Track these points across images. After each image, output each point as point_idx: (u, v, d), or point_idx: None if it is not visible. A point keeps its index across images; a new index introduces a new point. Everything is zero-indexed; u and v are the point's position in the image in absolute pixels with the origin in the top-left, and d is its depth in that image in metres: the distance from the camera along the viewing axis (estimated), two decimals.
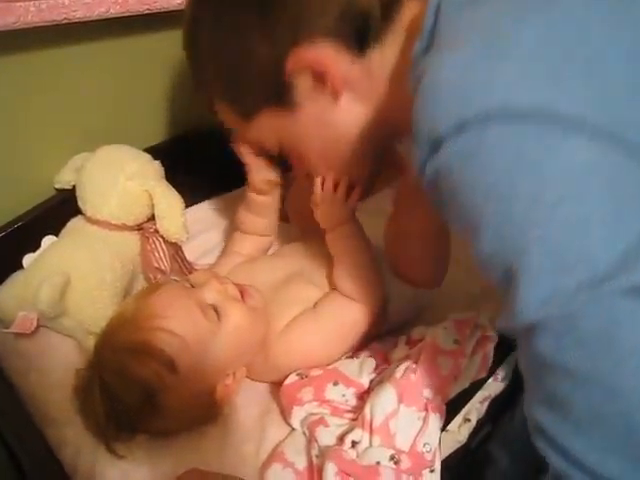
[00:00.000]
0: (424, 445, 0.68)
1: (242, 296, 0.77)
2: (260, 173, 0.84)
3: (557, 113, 0.43)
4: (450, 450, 0.83)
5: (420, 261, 0.85)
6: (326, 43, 0.61)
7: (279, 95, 0.66)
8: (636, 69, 0.45)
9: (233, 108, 0.72)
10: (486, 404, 0.92)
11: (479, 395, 0.87)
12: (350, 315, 0.78)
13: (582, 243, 0.43)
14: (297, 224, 1.04)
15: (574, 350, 0.44)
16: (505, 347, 0.80)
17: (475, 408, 0.91)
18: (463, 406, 0.82)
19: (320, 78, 0.64)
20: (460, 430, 0.87)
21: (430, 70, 0.49)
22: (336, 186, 0.77)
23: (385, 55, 0.63)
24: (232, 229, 0.97)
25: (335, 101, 0.66)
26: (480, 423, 0.88)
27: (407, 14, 0.63)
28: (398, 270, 0.87)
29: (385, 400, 0.68)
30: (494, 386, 0.91)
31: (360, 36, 0.62)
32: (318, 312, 0.78)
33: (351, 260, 0.79)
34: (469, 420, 0.91)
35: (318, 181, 0.76)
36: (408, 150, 0.82)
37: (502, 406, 0.93)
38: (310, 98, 0.66)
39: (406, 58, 0.57)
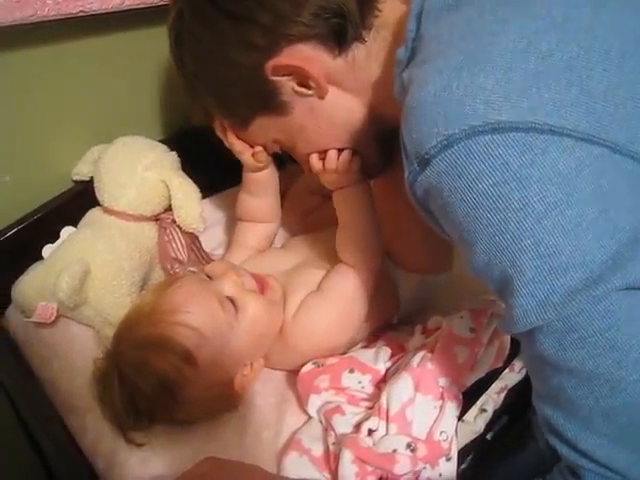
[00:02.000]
0: (440, 433, 0.68)
1: (262, 288, 0.78)
2: (250, 150, 0.84)
3: (537, 123, 0.44)
4: (466, 440, 0.83)
5: (419, 245, 0.85)
6: (303, 44, 0.63)
7: (267, 101, 0.68)
8: (611, 72, 0.45)
9: (228, 120, 0.75)
10: (503, 395, 0.92)
11: (496, 386, 0.86)
12: (349, 283, 0.78)
13: (575, 246, 0.44)
14: (296, 225, 1.04)
15: (576, 350, 0.46)
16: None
17: (492, 399, 0.91)
18: (479, 396, 0.82)
19: (303, 78, 0.65)
20: (476, 420, 0.87)
21: (413, 87, 0.50)
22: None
23: (371, 51, 0.64)
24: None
25: (322, 97, 0.67)
26: (496, 414, 0.88)
27: (389, 11, 0.63)
28: (399, 257, 0.87)
29: (401, 389, 0.68)
30: (511, 377, 0.91)
31: (338, 33, 0.62)
32: (321, 290, 0.79)
33: (352, 222, 0.79)
34: (485, 411, 0.90)
35: (314, 154, 0.75)
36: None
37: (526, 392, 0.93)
38: (298, 98, 0.67)
39: (393, 57, 0.58)
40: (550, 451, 0.94)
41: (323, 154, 0.74)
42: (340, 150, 0.74)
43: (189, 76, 0.72)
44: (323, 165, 0.75)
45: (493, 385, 0.85)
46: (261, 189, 0.90)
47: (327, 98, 0.67)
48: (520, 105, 0.44)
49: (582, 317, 0.45)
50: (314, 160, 0.75)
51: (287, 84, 0.66)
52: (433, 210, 0.52)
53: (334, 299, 0.78)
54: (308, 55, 0.63)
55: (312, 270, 0.83)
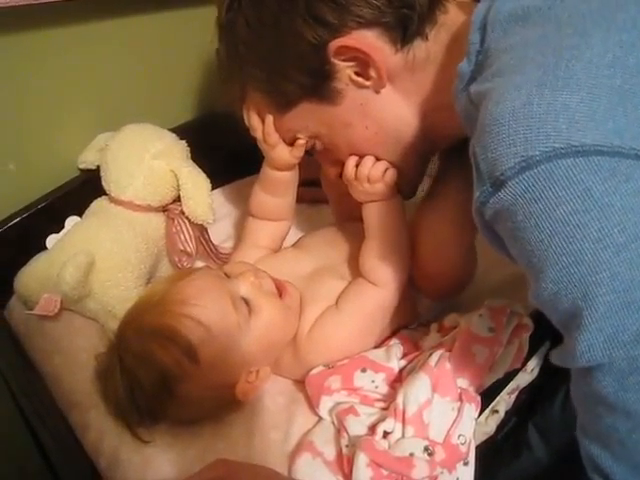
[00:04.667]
0: (459, 437, 0.66)
1: (280, 293, 0.75)
2: (283, 145, 0.79)
3: (623, 147, 0.41)
4: (477, 442, 0.81)
5: (452, 256, 0.81)
6: (370, 31, 0.61)
7: (321, 83, 0.65)
8: None
9: (270, 99, 0.70)
10: (514, 396, 0.90)
11: (508, 386, 0.84)
12: (371, 303, 0.75)
13: None
14: (335, 207, 1.00)
15: (638, 392, 0.44)
16: (537, 338, 0.77)
17: (503, 400, 0.89)
18: (494, 397, 0.80)
19: (364, 66, 0.63)
20: (488, 421, 0.85)
21: (487, 102, 0.47)
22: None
23: (430, 52, 0.63)
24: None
25: (378, 91, 0.65)
26: (508, 415, 0.86)
27: (453, 14, 0.62)
28: (424, 289, 0.84)
29: (419, 389, 0.66)
30: (523, 377, 0.89)
31: (404, 25, 0.61)
32: (340, 307, 0.76)
33: (380, 238, 0.76)
34: (497, 412, 0.89)
35: (351, 159, 0.72)
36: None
37: (540, 394, 0.91)
38: (352, 87, 0.65)
39: (453, 65, 0.56)
40: (549, 460, 0.93)
41: (360, 160, 0.72)
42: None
43: (237, 45, 0.67)
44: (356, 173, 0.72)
45: (507, 386, 0.83)
46: (282, 190, 0.85)
47: (381, 94, 0.65)
48: (605, 126, 0.41)
49: None
50: (350, 164, 0.72)
51: (345, 71, 0.64)
52: (500, 233, 0.49)
53: (352, 319, 0.75)
54: (373, 42, 0.61)
55: (331, 280, 0.80)
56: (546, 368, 0.95)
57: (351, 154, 0.72)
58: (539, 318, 0.78)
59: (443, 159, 0.83)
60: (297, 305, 0.76)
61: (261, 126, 0.75)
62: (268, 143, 0.76)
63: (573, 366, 0.47)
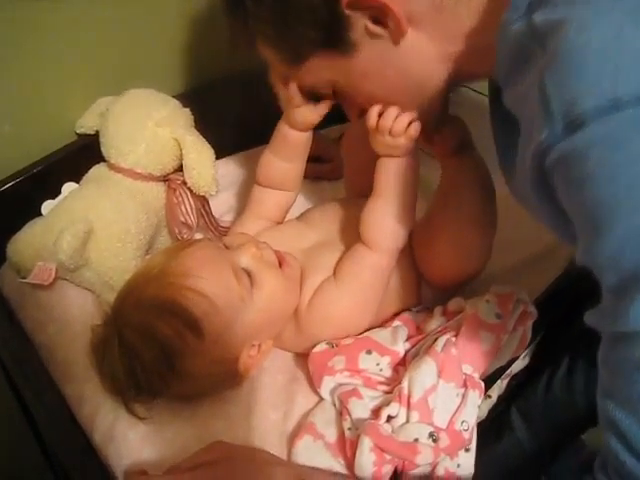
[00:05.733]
0: (462, 423, 0.66)
1: (280, 264, 0.74)
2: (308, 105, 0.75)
3: None
4: None
5: (469, 249, 0.79)
6: None
7: (335, 35, 0.60)
8: None
9: (281, 54, 0.66)
10: (506, 381, 0.90)
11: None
12: (365, 269, 0.74)
13: None
14: (349, 179, 0.98)
15: None
16: (537, 326, 0.76)
17: (497, 385, 0.89)
18: (494, 383, 0.80)
19: (381, 15, 0.57)
20: (481, 406, 0.85)
21: (566, 29, 0.42)
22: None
23: None
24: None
25: (397, 40, 0.59)
26: (500, 399, 0.86)
27: None
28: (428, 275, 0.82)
29: (425, 374, 0.65)
30: (517, 364, 0.89)
31: None
32: (337, 277, 0.75)
33: (390, 196, 0.72)
34: (490, 397, 0.89)
35: (374, 108, 0.68)
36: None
37: (525, 378, 0.91)
38: (369, 38, 0.59)
39: (488, 4, 0.52)
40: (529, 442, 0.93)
41: (384, 109, 0.67)
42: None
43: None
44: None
45: None
46: (294, 153, 0.82)
47: (402, 43, 0.59)
48: None
49: None
50: (372, 113, 0.68)
51: (360, 21, 0.57)
52: (556, 183, 0.45)
53: (348, 286, 0.74)
54: None
55: (332, 252, 0.78)
56: (538, 353, 0.96)
57: (373, 103, 0.67)
58: (541, 306, 0.77)
59: (448, 166, 0.79)
60: (297, 276, 0.75)
61: (285, 86, 0.72)
62: (293, 103, 0.74)
63: (618, 329, 0.44)
